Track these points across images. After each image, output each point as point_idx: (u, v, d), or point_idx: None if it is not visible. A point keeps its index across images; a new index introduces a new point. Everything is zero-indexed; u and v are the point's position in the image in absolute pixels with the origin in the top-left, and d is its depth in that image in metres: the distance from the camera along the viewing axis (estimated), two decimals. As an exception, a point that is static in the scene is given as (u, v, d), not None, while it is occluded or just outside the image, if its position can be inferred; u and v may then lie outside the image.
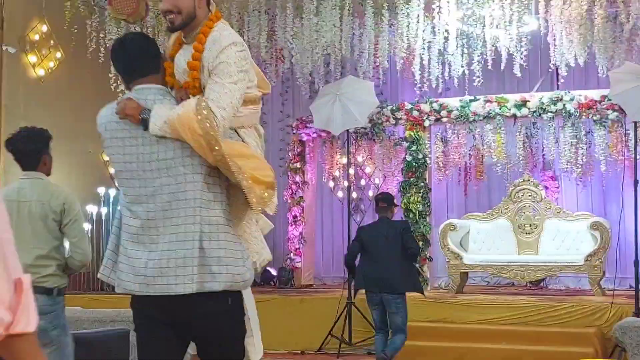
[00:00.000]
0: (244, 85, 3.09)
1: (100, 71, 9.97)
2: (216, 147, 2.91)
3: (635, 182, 8.59)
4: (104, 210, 10.69)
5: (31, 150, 4.36)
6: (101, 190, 10.72)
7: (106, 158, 9.88)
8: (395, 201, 7.89)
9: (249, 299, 3.21)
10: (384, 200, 7.68)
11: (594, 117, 9.80)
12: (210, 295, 2.93)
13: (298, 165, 11.50)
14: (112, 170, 3.97)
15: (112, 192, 10.66)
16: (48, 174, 4.45)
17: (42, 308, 3.30)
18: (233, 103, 3.03)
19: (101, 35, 10.12)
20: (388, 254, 7.24)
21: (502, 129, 10.19)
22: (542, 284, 10.90)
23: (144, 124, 2.98)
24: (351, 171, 10.70)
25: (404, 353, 7.47)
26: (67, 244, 4.48)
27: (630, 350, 4.96)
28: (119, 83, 9.16)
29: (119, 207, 3.20)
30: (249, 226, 3.27)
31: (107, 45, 9.77)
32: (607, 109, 9.69)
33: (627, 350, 4.96)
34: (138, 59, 3.08)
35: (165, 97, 3.09)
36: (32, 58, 10.53)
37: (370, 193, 11.38)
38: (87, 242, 4.47)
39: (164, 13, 3.19)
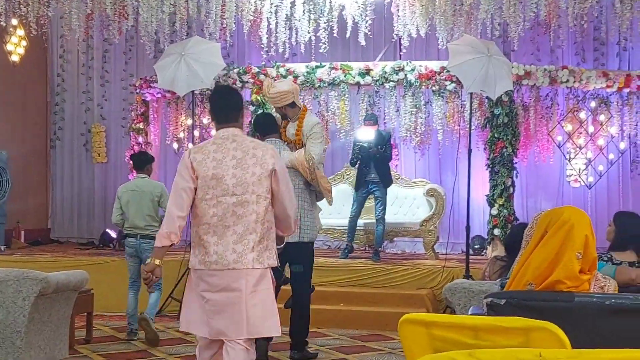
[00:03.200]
0: (324, 144, 6.47)
1: None
2: (312, 175, 6.28)
3: (469, 152, 8.92)
4: None
5: (143, 161, 7.80)
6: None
7: None
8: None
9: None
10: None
11: (433, 88, 10.10)
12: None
13: (141, 125, 11.19)
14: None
15: None
16: (149, 175, 7.80)
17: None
18: (319, 152, 6.36)
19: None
20: None
21: (347, 96, 10.32)
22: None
23: None
24: (196, 133, 10.54)
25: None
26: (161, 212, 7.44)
27: (459, 310, 5.15)
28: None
29: None
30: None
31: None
32: (446, 80, 10.01)
33: (456, 311, 5.16)
34: (272, 125, 6.45)
35: (284, 146, 6.36)
36: None
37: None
38: None
39: (279, 111, 6.55)
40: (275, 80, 8.39)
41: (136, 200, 7.50)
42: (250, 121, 8.12)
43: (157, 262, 4.12)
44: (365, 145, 9.27)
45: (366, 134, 9.32)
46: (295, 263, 6.30)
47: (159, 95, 11.14)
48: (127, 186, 7.71)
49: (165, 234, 4.04)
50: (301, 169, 6.25)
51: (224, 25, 10.18)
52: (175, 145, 11.32)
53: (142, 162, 7.76)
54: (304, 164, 6.23)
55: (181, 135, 11.17)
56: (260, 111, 10.24)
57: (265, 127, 6.33)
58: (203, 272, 4.05)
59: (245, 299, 3.99)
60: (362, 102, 10.42)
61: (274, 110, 6.94)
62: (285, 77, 10.28)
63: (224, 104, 4.23)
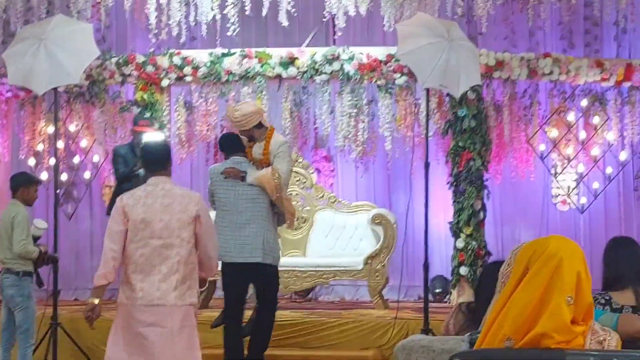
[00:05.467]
0: (291, 164, 8.37)
1: None
2: (278, 194, 7.90)
3: (427, 166, 9.02)
4: None
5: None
6: None
7: None
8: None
9: None
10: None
11: (378, 82, 10.19)
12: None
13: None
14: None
15: None
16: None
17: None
18: (286, 170, 8.05)
19: None
20: None
21: (264, 93, 10.33)
22: (310, 295, 11.19)
23: (242, 179, 7.91)
24: (60, 144, 10.39)
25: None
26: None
27: (416, 377, 5.19)
28: None
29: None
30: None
31: None
32: (395, 72, 10.11)
33: (413, 377, 5.18)
34: (238, 145, 8.21)
35: (250, 165, 8.04)
36: None
37: (87, 175, 11.13)
38: None
39: (245, 133, 8.19)
40: (235, 104, 9.54)
41: None
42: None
43: (96, 301, 5.85)
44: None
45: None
46: (259, 285, 8.14)
47: (10, 94, 10.96)
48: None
49: (102, 274, 5.79)
50: (267, 187, 7.90)
51: (98, 0, 10.09)
52: (31, 161, 11.13)
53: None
54: (270, 181, 7.88)
55: (40, 147, 11.00)
56: (147, 114, 10.21)
57: (230, 147, 8.20)
58: (131, 307, 5.80)
59: (173, 336, 5.77)
60: (285, 101, 10.44)
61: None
62: (181, 67, 10.26)
63: (153, 157, 6.16)
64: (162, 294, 5.75)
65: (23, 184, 8.36)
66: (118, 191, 9.54)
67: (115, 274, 5.84)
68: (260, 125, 8.12)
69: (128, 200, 5.89)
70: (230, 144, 8.24)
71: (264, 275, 7.99)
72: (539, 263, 3.17)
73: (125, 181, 9.37)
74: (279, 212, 8.09)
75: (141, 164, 6.67)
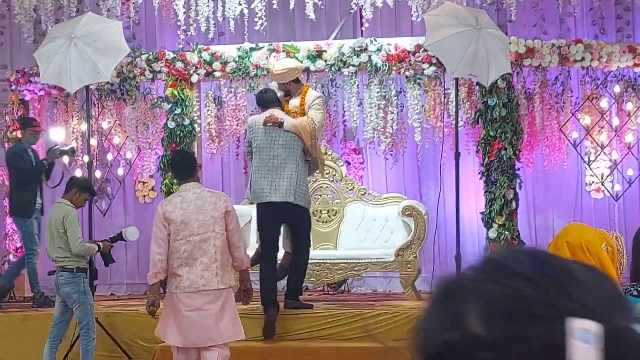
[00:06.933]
0: (324, 113, 9.34)
1: None
2: (313, 140, 8.66)
3: (457, 156, 9.03)
4: None
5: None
6: None
7: None
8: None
9: None
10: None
11: (407, 73, 10.19)
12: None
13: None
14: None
15: None
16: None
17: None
18: (321, 120, 8.93)
19: None
20: None
21: (293, 86, 10.37)
22: (343, 287, 11.24)
23: (280, 125, 8.53)
24: (93, 142, 10.50)
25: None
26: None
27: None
28: None
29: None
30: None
31: None
32: (423, 62, 10.11)
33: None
34: (275, 99, 8.98)
35: (285, 115, 8.73)
36: None
37: (120, 171, 11.23)
38: None
39: (282, 87, 9.06)
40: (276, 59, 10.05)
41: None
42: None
43: (154, 296, 7.25)
44: None
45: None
46: (292, 225, 8.89)
47: (42, 93, 11.10)
48: None
49: (153, 274, 7.07)
50: (303, 133, 8.58)
51: (127, -3, 10.21)
52: (65, 159, 11.26)
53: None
54: (306, 127, 8.59)
55: (73, 144, 11.12)
56: (178, 110, 10.30)
57: (268, 100, 8.89)
58: (180, 294, 6.99)
59: (216, 315, 6.97)
60: (314, 94, 10.48)
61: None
62: (210, 63, 10.32)
63: (182, 165, 7.47)
64: (206, 280, 6.97)
65: (78, 187, 8.54)
66: (23, 192, 10.02)
67: (164, 272, 7.03)
68: (297, 80, 9.02)
69: (167, 207, 7.11)
70: (268, 98, 8.93)
71: (297, 215, 8.73)
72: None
73: (32, 180, 9.94)
74: (311, 161, 8.88)
75: (172, 173, 8.41)
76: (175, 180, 8.70)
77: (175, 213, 7.06)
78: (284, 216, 8.72)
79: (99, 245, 8.42)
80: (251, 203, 9.19)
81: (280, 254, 9.03)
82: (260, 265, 8.81)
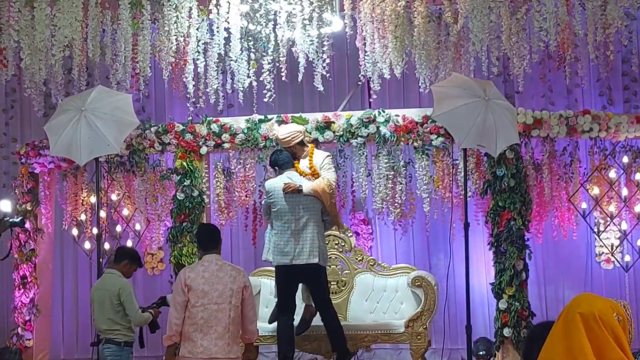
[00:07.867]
0: (335, 170, 9.75)
1: None
2: (332, 200, 9.39)
3: (466, 226, 9.01)
4: None
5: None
6: None
7: None
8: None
9: None
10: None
11: (415, 143, 10.21)
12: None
13: (28, 207, 11.15)
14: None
15: None
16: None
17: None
18: (335, 178, 9.54)
19: None
20: None
21: (301, 157, 10.40)
22: (353, 359, 11.14)
23: (300, 191, 9.11)
24: (102, 214, 10.50)
25: None
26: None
27: None
28: None
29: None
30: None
31: None
32: (431, 133, 10.14)
33: None
34: (290, 161, 9.44)
35: (301, 178, 9.32)
36: None
37: (129, 243, 11.22)
38: None
39: (288, 150, 9.51)
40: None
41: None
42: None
43: (171, 357, 7.68)
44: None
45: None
46: (313, 285, 9.37)
47: (52, 166, 11.12)
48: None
49: (168, 337, 7.50)
50: (322, 194, 9.16)
51: (137, 71, 10.26)
52: (74, 232, 11.27)
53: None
54: (325, 189, 9.19)
55: (82, 217, 11.13)
56: (187, 181, 10.33)
57: (284, 162, 9.34)
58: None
59: None
60: (322, 165, 10.50)
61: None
62: (219, 135, 10.37)
63: (208, 238, 7.85)
64: (219, 349, 7.40)
65: (130, 259, 8.80)
66: None
67: (179, 335, 7.45)
68: (302, 142, 9.48)
69: (190, 274, 7.53)
70: (284, 159, 9.39)
71: (317, 274, 9.25)
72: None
73: None
74: (327, 220, 9.42)
75: (197, 244, 8.47)
76: (198, 252, 8.82)
77: (197, 281, 7.47)
78: (306, 277, 9.23)
79: (151, 314, 8.58)
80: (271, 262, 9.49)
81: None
82: (278, 322, 9.28)
